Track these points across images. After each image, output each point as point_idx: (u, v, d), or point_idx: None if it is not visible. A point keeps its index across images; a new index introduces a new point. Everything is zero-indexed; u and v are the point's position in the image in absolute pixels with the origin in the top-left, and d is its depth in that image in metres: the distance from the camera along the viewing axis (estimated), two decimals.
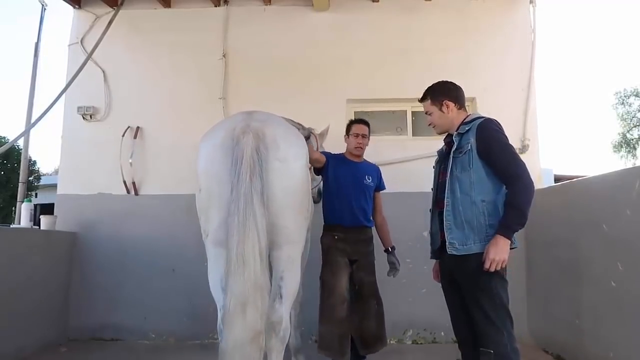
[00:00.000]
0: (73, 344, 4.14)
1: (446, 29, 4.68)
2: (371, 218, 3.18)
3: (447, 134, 2.43)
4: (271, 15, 4.80)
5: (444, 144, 2.48)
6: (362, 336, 3.00)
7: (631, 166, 10.71)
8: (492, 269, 2.04)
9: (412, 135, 4.70)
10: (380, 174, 3.30)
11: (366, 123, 3.24)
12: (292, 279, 2.31)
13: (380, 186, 3.28)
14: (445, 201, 2.21)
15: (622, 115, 24.41)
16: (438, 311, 4.14)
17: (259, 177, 2.07)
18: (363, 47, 4.68)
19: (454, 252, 2.16)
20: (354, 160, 3.21)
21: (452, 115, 2.35)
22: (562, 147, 41.09)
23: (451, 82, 2.44)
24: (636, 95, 24.11)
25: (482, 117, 2.27)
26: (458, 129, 2.30)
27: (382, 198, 3.30)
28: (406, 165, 4.38)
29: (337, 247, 3.04)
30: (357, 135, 3.17)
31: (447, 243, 2.18)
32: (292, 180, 2.25)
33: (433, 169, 2.54)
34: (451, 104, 2.35)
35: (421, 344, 4.17)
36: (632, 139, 24.05)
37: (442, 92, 2.38)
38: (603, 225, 2.94)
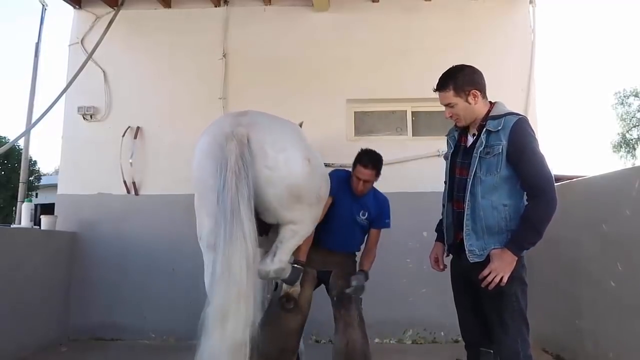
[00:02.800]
0: (73, 344, 4.14)
1: (446, 29, 4.67)
2: (358, 248, 2.95)
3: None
4: (271, 16, 4.80)
5: (455, 131, 2.23)
6: (347, 353, 2.60)
7: (631, 166, 10.74)
8: (489, 280, 1.89)
9: (412, 135, 4.70)
10: (386, 209, 2.90)
11: (375, 166, 2.74)
12: (289, 244, 2.40)
13: (378, 223, 2.87)
14: (466, 204, 2.02)
15: (622, 116, 24.45)
16: (438, 311, 4.17)
17: (245, 183, 2.04)
18: (363, 47, 4.68)
19: (476, 260, 1.99)
20: (356, 192, 2.81)
21: (478, 106, 2.06)
22: (562, 147, 41.10)
23: (473, 67, 2.12)
24: (636, 96, 24.14)
25: (514, 114, 2.02)
26: (484, 123, 2.04)
27: (378, 237, 2.92)
28: (406, 165, 4.38)
29: (308, 256, 2.70)
30: (359, 180, 2.74)
31: (466, 251, 2.02)
32: (286, 183, 2.21)
33: (445, 160, 2.30)
34: (478, 94, 2.05)
35: (421, 344, 4.17)
36: (632, 139, 24.07)
37: (468, 80, 2.06)
38: (603, 225, 2.94)
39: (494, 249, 1.96)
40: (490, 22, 4.70)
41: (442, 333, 4.16)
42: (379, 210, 2.87)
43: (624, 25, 49.89)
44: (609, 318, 2.88)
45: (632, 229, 2.65)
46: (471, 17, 4.71)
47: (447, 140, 2.30)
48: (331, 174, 2.83)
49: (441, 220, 2.33)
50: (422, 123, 4.75)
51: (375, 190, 2.91)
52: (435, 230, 2.41)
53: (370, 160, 2.74)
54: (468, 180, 2.01)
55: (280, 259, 2.35)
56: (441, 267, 2.33)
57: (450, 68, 2.14)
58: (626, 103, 24.31)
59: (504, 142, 1.95)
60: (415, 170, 4.30)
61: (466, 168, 2.06)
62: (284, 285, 2.61)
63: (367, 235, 2.93)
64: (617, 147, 24.18)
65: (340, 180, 2.84)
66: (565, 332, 3.43)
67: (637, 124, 24.18)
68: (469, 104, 2.05)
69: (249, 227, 2.00)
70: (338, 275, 2.79)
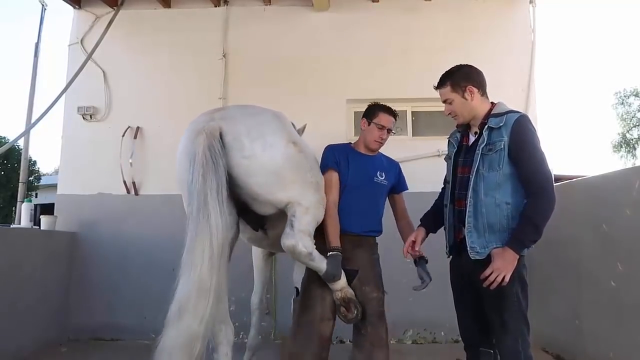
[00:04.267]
0: (73, 344, 4.14)
1: (446, 29, 4.68)
2: (381, 223, 2.60)
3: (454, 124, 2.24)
4: (271, 15, 4.80)
5: (457, 132, 2.25)
6: None
7: (631, 166, 10.77)
8: (491, 279, 1.87)
9: (412, 135, 4.70)
10: (400, 171, 2.71)
11: (395, 115, 2.59)
12: (304, 219, 2.24)
13: (398, 186, 2.66)
14: (468, 201, 2.01)
15: (622, 115, 24.48)
16: (438, 311, 4.16)
17: (213, 176, 1.99)
18: (363, 47, 4.68)
19: (477, 257, 1.98)
20: (367, 153, 2.58)
21: (475, 103, 2.09)
22: (562, 147, 41.11)
23: (471, 66, 2.16)
24: (636, 95, 24.15)
25: (516, 112, 2.04)
26: (486, 120, 2.05)
27: (403, 200, 2.70)
28: (406, 165, 4.31)
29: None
30: (382, 128, 2.51)
31: (468, 248, 2.01)
32: (269, 170, 2.16)
33: (446, 161, 2.29)
34: (475, 90, 2.08)
35: (421, 343, 4.17)
36: (632, 139, 24.09)
37: (465, 77, 2.11)
38: (603, 225, 2.95)
39: (495, 247, 1.95)
40: (490, 22, 4.70)
41: (442, 333, 4.16)
42: (394, 172, 2.65)
43: (623, 26, 49.93)
44: (609, 318, 2.88)
45: (632, 229, 2.65)
46: (471, 17, 4.71)
47: (449, 141, 2.30)
48: (325, 149, 2.60)
49: (427, 213, 2.40)
50: (422, 123, 4.75)
51: (382, 154, 2.69)
52: (420, 220, 2.42)
53: (389, 108, 2.59)
54: (470, 177, 2.01)
55: (300, 229, 2.20)
56: (414, 251, 2.37)
57: (448, 69, 2.19)
58: (626, 103, 24.34)
59: (506, 138, 1.96)
60: (415, 170, 4.28)
61: (468, 166, 2.06)
62: (333, 292, 2.33)
63: (393, 207, 2.68)
64: (617, 147, 24.20)
65: (339, 150, 2.57)
66: (565, 332, 3.43)
67: (637, 123, 24.19)
68: (466, 100, 2.09)
69: (217, 220, 1.95)
70: (362, 279, 2.42)
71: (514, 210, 1.97)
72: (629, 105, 24.36)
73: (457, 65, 2.18)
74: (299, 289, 2.54)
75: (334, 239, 2.36)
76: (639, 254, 2.60)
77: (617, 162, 23.76)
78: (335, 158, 2.51)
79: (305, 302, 2.42)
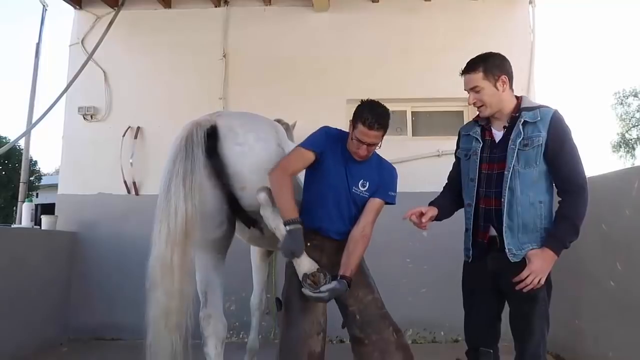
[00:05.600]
0: (73, 343, 4.14)
1: (446, 29, 4.68)
2: None
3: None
4: (271, 16, 4.81)
5: (477, 126, 2.08)
6: None
7: (630, 166, 10.75)
8: (528, 282, 1.80)
9: (412, 135, 4.70)
10: (390, 180, 2.27)
11: (383, 125, 2.06)
12: None
13: (379, 193, 2.21)
14: (504, 199, 1.89)
15: (621, 116, 24.45)
16: (438, 311, 4.17)
17: (182, 161, 2.08)
18: (363, 47, 4.68)
19: (515, 260, 1.88)
20: (356, 157, 2.16)
21: (505, 95, 1.95)
22: None
23: (503, 55, 2.03)
24: (635, 96, 24.13)
25: (548, 107, 1.94)
26: (517, 114, 1.94)
27: (377, 209, 2.22)
28: (406, 165, 4.38)
29: (311, 257, 2.10)
30: (360, 143, 2.07)
31: (506, 249, 1.90)
32: (260, 156, 2.22)
33: (460, 157, 2.15)
34: (507, 81, 1.95)
35: (421, 343, 4.17)
36: (631, 139, 24.07)
37: (499, 65, 1.96)
38: (603, 225, 2.95)
39: (532, 249, 1.88)
40: (490, 22, 4.70)
41: (442, 333, 4.16)
42: (380, 181, 2.21)
43: (623, 26, 49.94)
44: (609, 318, 2.88)
45: (632, 229, 2.65)
46: (471, 17, 4.71)
47: (468, 135, 2.10)
48: (321, 130, 2.22)
49: (439, 199, 2.23)
50: (422, 123, 4.75)
51: (378, 157, 2.27)
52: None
53: (376, 118, 2.02)
54: (506, 173, 1.89)
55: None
56: (423, 222, 2.11)
57: (480, 54, 2.03)
58: (625, 103, 24.31)
59: (544, 134, 1.86)
60: (415, 170, 4.29)
61: (497, 162, 1.95)
62: (298, 272, 2.04)
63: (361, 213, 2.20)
64: (617, 147, 24.18)
65: (331, 137, 2.20)
66: (565, 332, 3.43)
67: (636, 124, 24.18)
68: (497, 90, 1.94)
69: (177, 203, 2.04)
70: (353, 284, 2.09)
71: (547, 209, 1.92)
72: (628, 106, 24.34)
73: (489, 52, 2.02)
74: (281, 300, 2.24)
75: (289, 210, 2.02)
76: (639, 254, 2.60)
77: (617, 162, 23.78)
78: (323, 146, 2.15)
79: (290, 316, 2.11)
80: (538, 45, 4.67)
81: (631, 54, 43.30)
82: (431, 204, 2.22)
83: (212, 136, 2.21)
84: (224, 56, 4.71)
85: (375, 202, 2.20)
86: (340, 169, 2.15)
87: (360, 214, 2.19)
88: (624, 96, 24.26)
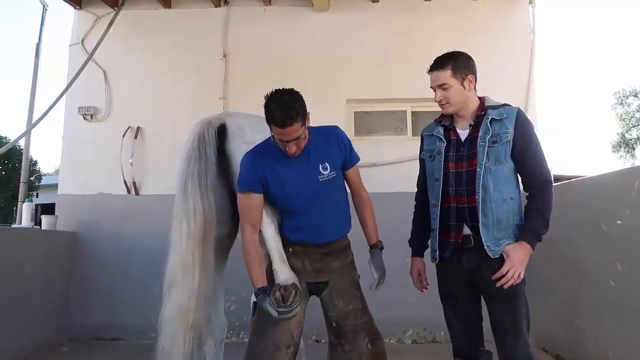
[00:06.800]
0: (73, 343, 4.14)
1: (446, 29, 4.68)
2: (348, 214, 2.16)
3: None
4: (271, 16, 4.81)
5: (440, 126, 2.09)
6: None
7: (630, 166, 10.76)
8: (509, 277, 1.80)
9: (412, 135, 4.70)
10: (341, 140, 2.08)
11: (294, 117, 1.81)
12: None
13: (348, 163, 2.10)
14: (478, 196, 1.89)
15: (621, 116, 24.46)
16: (438, 311, 4.14)
17: (196, 161, 2.14)
18: (363, 47, 4.68)
19: (495, 256, 1.88)
20: (291, 155, 1.94)
21: (470, 94, 2.00)
22: (562, 147, 41.10)
23: (469, 55, 2.06)
24: (635, 96, 24.15)
25: (511, 106, 2.01)
26: (484, 112, 1.97)
27: (359, 173, 2.18)
28: (406, 165, 4.38)
29: (290, 264, 2.03)
30: (284, 143, 1.88)
31: (484, 246, 1.89)
32: None
33: (424, 159, 2.15)
34: (473, 81, 2.00)
35: (421, 343, 4.17)
36: (631, 139, 24.09)
37: (467, 65, 2.00)
38: (602, 225, 2.95)
39: (508, 244, 1.89)
40: (490, 22, 4.71)
41: (442, 333, 4.15)
42: (337, 147, 2.06)
43: (623, 26, 49.95)
44: (609, 318, 2.88)
45: (632, 229, 2.66)
46: (471, 17, 4.72)
47: (431, 136, 2.11)
48: (243, 161, 2.04)
49: (413, 231, 2.23)
50: (422, 123, 4.74)
51: (315, 130, 2.03)
52: (410, 244, 2.23)
53: (284, 112, 1.80)
54: (479, 170, 1.91)
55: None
56: (424, 283, 2.19)
57: (447, 52, 2.07)
58: (625, 103, 24.33)
59: (511, 130, 1.91)
60: (415, 170, 4.25)
61: (466, 160, 1.96)
62: (275, 279, 1.99)
63: (347, 183, 2.17)
64: (617, 147, 24.20)
65: (258, 157, 2.01)
66: (565, 332, 3.43)
67: (636, 124, 24.19)
68: (464, 88, 1.98)
69: (195, 203, 2.09)
70: (335, 291, 2.06)
71: (517, 205, 1.94)
72: (628, 106, 24.36)
73: (457, 51, 2.06)
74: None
75: (257, 278, 1.95)
76: (639, 254, 2.60)
77: (617, 162, 23.80)
78: (257, 175, 1.97)
79: (261, 324, 1.98)
80: (538, 45, 4.69)
81: (631, 54, 43.34)
82: (412, 245, 2.24)
83: (221, 134, 2.29)
84: (224, 56, 4.71)
85: (350, 172, 2.14)
86: (292, 173, 1.98)
87: (339, 193, 2.10)
88: (624, 96, 24.29)
